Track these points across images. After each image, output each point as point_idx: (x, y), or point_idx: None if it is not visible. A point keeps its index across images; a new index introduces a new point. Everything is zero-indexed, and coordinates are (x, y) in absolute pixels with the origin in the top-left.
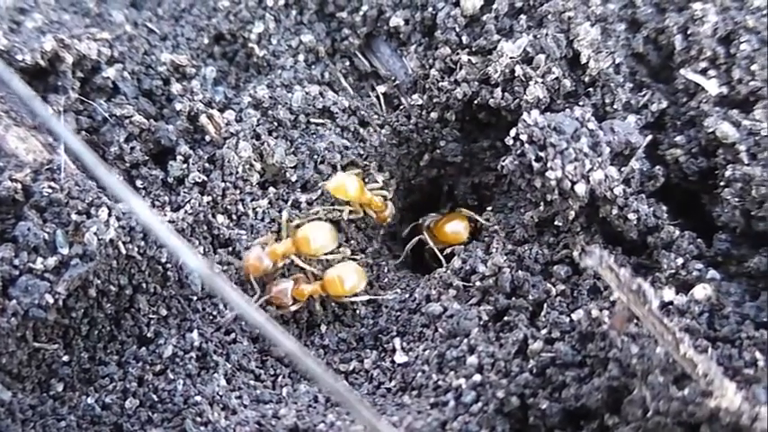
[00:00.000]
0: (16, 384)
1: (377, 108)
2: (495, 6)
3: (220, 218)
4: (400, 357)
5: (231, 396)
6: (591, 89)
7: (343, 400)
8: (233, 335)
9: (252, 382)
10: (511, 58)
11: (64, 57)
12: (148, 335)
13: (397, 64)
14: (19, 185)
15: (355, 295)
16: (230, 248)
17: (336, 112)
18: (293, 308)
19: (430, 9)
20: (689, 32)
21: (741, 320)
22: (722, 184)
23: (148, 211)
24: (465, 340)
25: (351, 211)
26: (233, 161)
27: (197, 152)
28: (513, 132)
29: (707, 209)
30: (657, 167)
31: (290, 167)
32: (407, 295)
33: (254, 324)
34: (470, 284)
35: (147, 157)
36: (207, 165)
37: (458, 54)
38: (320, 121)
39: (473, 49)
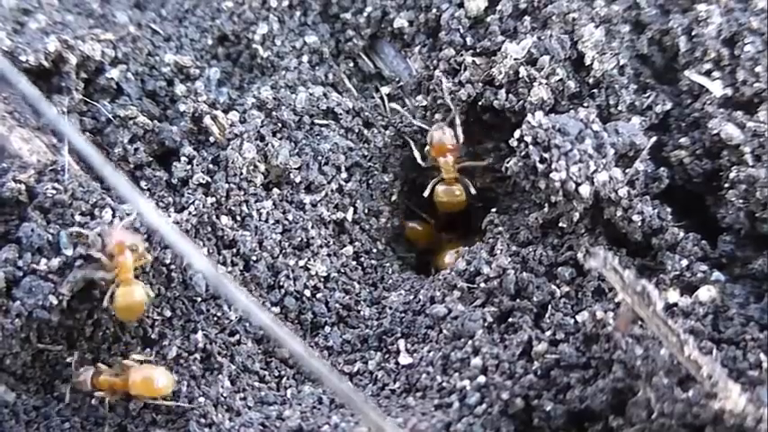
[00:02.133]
0: (20, 386)
1: (381, 109)
2: (499, 8)
3: (224, 219)
4: (404, 359)
5: (235, 397)
6: (595, 90)
7: (349, 401)
8: (237, 336)
9: (256, 384)
10: (515, 59)
11: (68, 58)
12: (153, 336)
13: (402, 65)
14: (23, 186)
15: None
16: (234, 250)
17: (340, 114)
18: (99, 394)
19: (434, 10)
20: (693, 34)
21: (746, 322)
22: (726, 185)
23: (155, 212)
24: (469, 342)
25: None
26: (237, 162)
27: (201, 153)
28: (517, 134)
29: (711, 210)
30: (662, 169)
31: (295, 168)
32: (412, 297)
33: (259, 324)
34: (475, 286)
35: (150, 159)
36: (211, 166)
37: (462, 55)
38: (324, 122)
39: (477, 51)
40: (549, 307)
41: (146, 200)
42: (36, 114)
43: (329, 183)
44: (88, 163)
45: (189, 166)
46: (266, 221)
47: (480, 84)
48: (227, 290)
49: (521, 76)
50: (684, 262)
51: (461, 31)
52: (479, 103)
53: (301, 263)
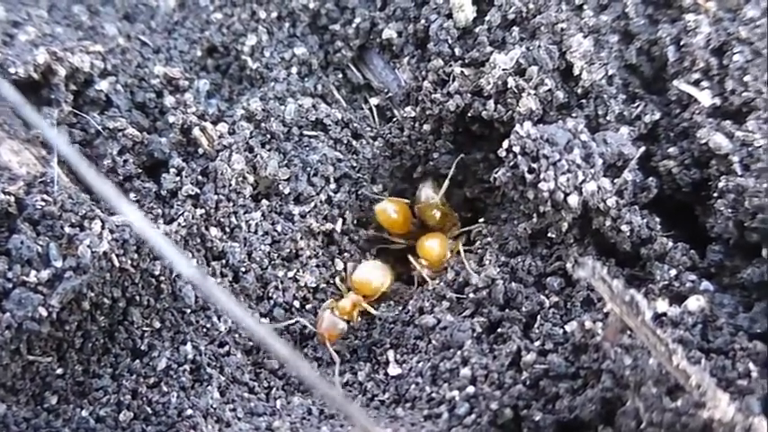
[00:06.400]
0: (10, 397)
1: (370, 120)
2: (487, 18)
3: (213, 230)
4: (394, 370)
5: (225, 409)
6: (584, 101)
7: (338, 406)
8: (227, 347)
9: (246, 395)
10: (503, 69)
11: (57, 70)
12: (142, 347)
13: (390, 76)
14: (12, 198)
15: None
16: (223, 261)
17: (329, 125)
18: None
19: (423, 21)
20: (682, 44)
21: (734, 332)
22: (715, 195)
23: (141, 218)
24: (458, 352)
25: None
26: (226, 174)
27: (190, 165)
28: (505, 144)
29: (700, 220)
30: (650, 179)
31: (283, 180)
32: (401, 307)
33: (249, 331)
34: (464, 296)
35: (140, 170)
36: (200, 177)
37: (450, 66)
38: (313, 133)
39: (466, 61)
40: (538, 317)
41: (131, 204)
42: (25, 126)
43: (318, 194)
44: (77, 175)
45: (178, 178)
46: (255, 233)
47: (469, 94)
48: (216, 295)
49: (509, 86)
50: (673, 272)
51: (450, 41)
52: (468, 114)
53: (290, 274)
